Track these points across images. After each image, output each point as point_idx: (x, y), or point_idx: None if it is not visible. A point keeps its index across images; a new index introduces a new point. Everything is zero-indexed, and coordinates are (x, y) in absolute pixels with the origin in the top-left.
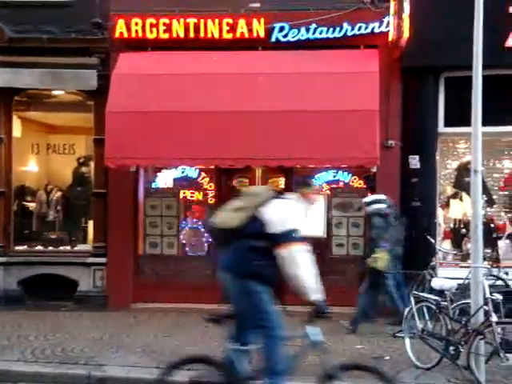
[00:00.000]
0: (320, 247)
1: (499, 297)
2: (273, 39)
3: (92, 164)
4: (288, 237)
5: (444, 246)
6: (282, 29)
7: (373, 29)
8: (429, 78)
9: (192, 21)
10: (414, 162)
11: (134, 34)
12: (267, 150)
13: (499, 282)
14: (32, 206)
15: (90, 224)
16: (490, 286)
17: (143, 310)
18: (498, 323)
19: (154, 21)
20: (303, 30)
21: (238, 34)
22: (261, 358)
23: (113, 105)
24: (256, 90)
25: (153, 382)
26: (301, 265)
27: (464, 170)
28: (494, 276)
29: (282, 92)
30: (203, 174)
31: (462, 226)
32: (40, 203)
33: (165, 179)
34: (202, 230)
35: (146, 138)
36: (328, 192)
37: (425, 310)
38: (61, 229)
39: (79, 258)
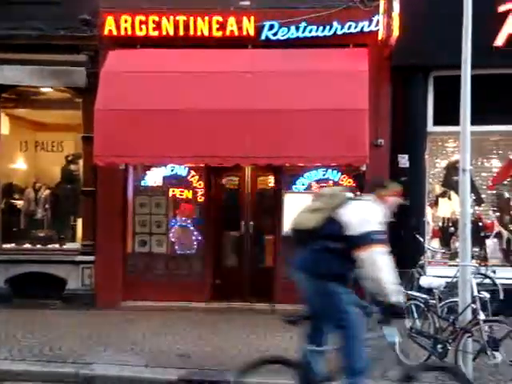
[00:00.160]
0: None
1: (487, 295)
2: (262, 37)
3: (81, 162)
4: (367, 239)
5: (432, 244)
6: (271, 27)
7: (362, 27)
8: (418, 77)
9: (182, 18)
10: (403, 160)
11: (123, 32)
12: (256, 149)
13: (487, 281)
14: (20, 203)
15: (79, 222)
16: (478, 285)
17: (132, 308)
18: (485, 321)
19: (143, 18)
20: (293, 28)
21: (227, 32)
22: (337, 359)
23: (101, 102)
24: (245, 89)
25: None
26: (381, 267)
27: (453, 169)
28: (481, 274)
29: (271, 90)
30: (192, 173)
31: (450, 224)
32: (28, 201)
33: (154, 177)
34: (191, 228)
35: (135, 136)
36: (317, 191)
37: (413, 308)
38: (49, 227)
39: (68, 256)
